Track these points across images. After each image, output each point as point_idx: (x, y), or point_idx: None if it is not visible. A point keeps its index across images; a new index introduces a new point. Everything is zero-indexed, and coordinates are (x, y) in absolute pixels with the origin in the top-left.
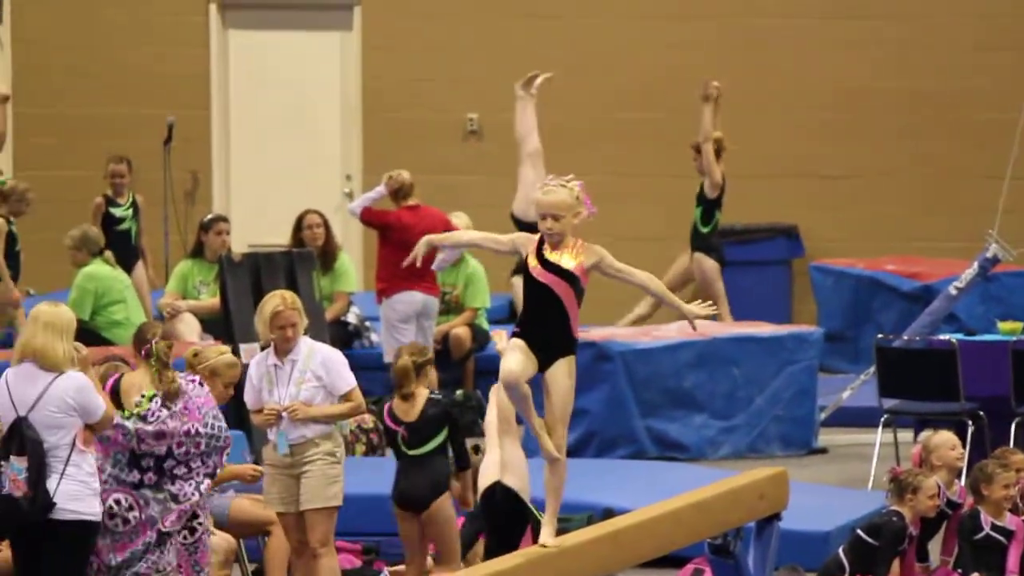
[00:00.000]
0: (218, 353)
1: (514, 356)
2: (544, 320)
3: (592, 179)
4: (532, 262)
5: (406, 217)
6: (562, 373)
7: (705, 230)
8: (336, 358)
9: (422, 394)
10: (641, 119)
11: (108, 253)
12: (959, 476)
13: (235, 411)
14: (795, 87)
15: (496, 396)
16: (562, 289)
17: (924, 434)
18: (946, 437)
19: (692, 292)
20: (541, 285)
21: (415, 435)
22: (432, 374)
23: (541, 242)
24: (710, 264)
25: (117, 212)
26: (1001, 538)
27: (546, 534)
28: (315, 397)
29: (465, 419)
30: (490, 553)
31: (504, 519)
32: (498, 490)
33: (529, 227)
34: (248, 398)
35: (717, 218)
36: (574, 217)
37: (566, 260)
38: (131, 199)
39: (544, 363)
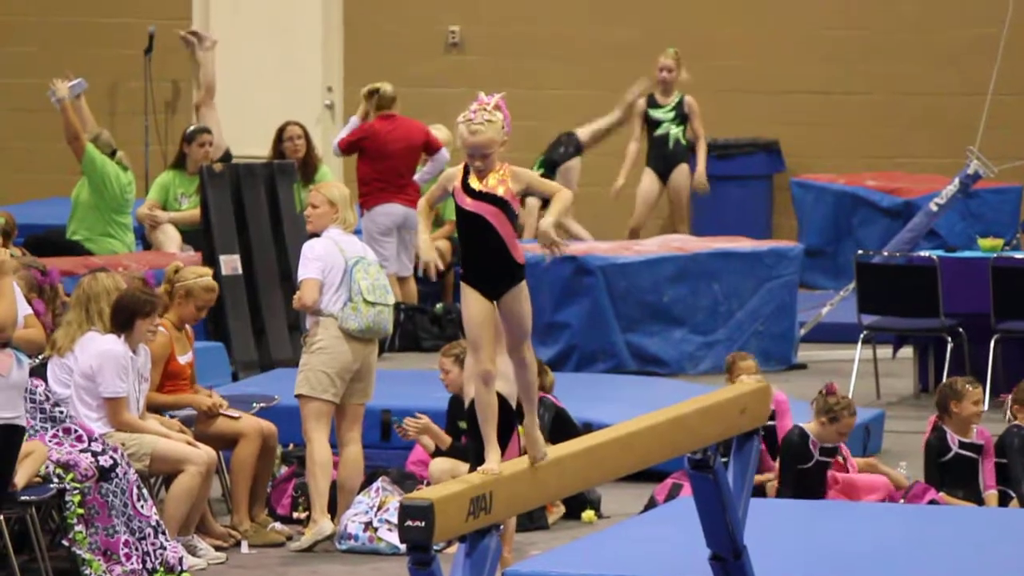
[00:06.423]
0: (198, 275)
1: (467, 314)
2: (485, 252)
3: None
4: (461, 195)
5: (379, 126)
6: (514, 301)
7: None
8: None
9: None
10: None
11: (121, 154)
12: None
13: (213, 324)
14: (777, 5)
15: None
16: (495, 216)
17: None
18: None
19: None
20: (474, 216)
21: None
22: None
23: (466, 172)
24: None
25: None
26: (972, 454)
27: (491, 460)
28: None
29: (447, 332)
30: (478, 459)
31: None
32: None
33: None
34: None
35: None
36: (501, 147)
37: (494, 186)
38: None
39: (496, 295)
